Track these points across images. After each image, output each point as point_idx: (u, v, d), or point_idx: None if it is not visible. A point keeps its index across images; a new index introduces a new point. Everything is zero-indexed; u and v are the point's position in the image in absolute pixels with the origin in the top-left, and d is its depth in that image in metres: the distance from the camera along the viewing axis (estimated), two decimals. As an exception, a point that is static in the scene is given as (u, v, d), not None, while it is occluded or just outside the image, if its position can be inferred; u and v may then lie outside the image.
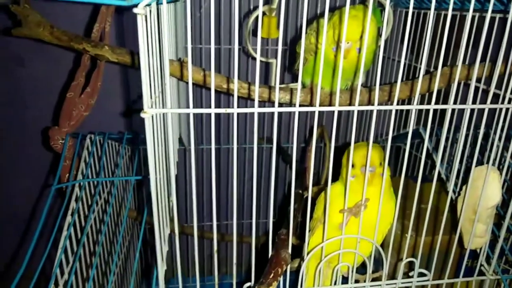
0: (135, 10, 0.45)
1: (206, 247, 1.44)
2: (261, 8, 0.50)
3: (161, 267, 0.62)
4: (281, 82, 1.26)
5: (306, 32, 0.83)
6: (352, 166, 0.67)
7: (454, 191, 0.80)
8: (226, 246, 1.46)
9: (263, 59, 0.94)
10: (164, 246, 0.65)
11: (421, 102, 0.61)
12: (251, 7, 1.18)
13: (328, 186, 0.62)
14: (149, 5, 0.47)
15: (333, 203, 0.66)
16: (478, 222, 0.69)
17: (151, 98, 0.52)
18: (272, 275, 0.62)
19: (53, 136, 0.92)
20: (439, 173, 0.90)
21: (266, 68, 1.22)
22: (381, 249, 0.66)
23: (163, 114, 0.53)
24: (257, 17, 0.55)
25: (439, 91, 0.86)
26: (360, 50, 0.73)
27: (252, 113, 0.53)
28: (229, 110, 0.53)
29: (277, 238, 0.72)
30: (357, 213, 0.66)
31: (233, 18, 1.18)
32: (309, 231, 0.70)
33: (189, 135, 0.77)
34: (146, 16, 0.48)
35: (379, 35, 0.77)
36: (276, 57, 0.53)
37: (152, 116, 0.53)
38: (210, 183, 0.52)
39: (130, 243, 1.14)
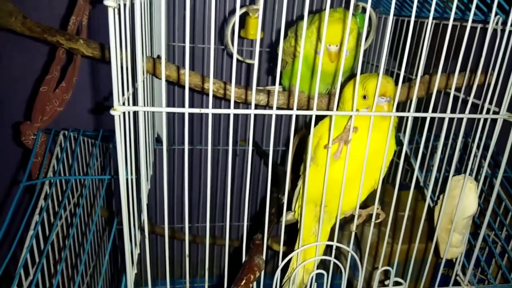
0: (106, 2, 0.43)
1: (177, 249, 1.40)
2: (238, 10, 0.48)
3: (131, 271, 0.60)
4: (266, 84, 1.24)
5: (287, 35, 0.82)
6: (364, 97, 0.61)
7: (432, 199, 0.80)
8: (197, 248, 1.44)
9: (241, 59, 0.92)
10: (134, 249, 0.63)
11: (403, 110, 0.60)
12: (237, 6, 1.16)
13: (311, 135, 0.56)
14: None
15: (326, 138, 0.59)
16: (454, 232, 0.68)
17: (122, 95, 0.50)
18: (243, 281, 0.61)
19: (24, 131, 0.89)
20: (418, 181, 0.89)
21: (248, 70, 1.21)
22: (356, 256, 0.65)
23: (135, 112, 0.51)
24: (239, 17, 0.54)
25: (420, 100, 0.86)
26: (347, 53, 0.73)
27: (228, 114, 0.51)
28: (203, 111, 0.51)
29: (252, 243, 0.70)
30: (347, 138, 0.58)
31: (214, 16, 1.16)
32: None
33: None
34: (119, 10, 0.46)
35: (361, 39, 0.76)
36: (258, 59, 0.51)
37: (124, 114, 0.51)
38: (182, 184, 0.50)
39: (100, 245, 1.10)
